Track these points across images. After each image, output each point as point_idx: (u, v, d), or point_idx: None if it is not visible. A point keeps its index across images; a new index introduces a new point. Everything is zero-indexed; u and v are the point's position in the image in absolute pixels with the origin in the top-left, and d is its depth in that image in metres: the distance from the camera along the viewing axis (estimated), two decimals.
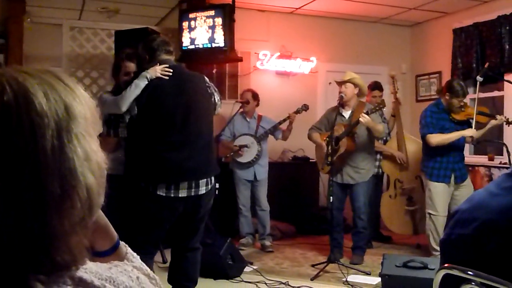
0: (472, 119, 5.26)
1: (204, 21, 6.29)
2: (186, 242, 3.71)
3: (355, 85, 5.61)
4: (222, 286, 4.87)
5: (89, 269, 0.81)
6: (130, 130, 3.59)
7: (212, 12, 6.28)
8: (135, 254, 1.07)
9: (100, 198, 0.82)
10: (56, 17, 7.40)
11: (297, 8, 7.64)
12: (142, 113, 3.48)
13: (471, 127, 5.27)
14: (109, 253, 1.03)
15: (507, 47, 6.64)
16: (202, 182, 3.54)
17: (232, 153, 6.22)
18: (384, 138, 6.38)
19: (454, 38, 7.50)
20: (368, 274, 5.12)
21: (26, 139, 0.72)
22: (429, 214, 5.39)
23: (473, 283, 1.64)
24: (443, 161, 5.31)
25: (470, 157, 6.89)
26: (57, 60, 6.71)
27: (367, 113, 5.24)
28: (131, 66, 4.03)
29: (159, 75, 3.49)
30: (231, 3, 6.36)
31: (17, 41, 6.27)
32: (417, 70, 8.39)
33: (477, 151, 7.22)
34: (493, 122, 5.38)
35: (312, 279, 4.99)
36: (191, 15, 6.39)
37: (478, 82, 5.38)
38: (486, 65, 5.92)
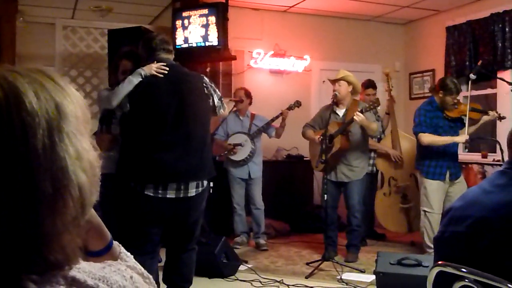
0: (465, 116, 5.28)
1: (198, 19, 6.28)
2: (182, 244, 3.66)
3: (349, 83, 5.61)
4: (217, 285, 4.86)
5: (82, 269, 0.81)
6: (122, 127, 3.56)
7: (205, 11, 6.27)
8: (128, 253, 1.06)
9: (93, 197, 0.82)
10: (49, 16, 7.37)
11: (290, 7, 7.64)
12: (133, 110, 3.43)
13: (464, 124, 5.30)
14: (102, 253, 1.02)
15: (500, 44, 6.66)
16: (192, 184, 3.46)
17: (226, 152, 6.22)
18: (378, 136, 6.38)
19: (447, 36, 7.52)
20: (362, 271, 5.13)
21: (17, 139, 0.72)
22: (424, 211, 5.40)
23: (466, 280, 1.65)
24: (438, 159, 5.33)
25: (463, 155, 6.91)
26: (50, 59, 6.70)
27: (361, 112, 5.25)
28: (128, 65, 3.99)
29: (154, 72, 3.45)
30: (224, 1, 6.35)
31: (10, 40, 6.24)
32: (411, 68, 8.41)
33: (470, 149, 7.24)
34: (485, 118, 5.44)
35: (306, 277, 4.99)
36: (185, 14, 6.37)
37: (470, 80, 5.40)
38: (479, 62, 5.94)
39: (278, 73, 7.84)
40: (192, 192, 3.46)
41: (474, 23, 7.08)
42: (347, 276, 4.98)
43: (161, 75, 3.47)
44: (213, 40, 6.19)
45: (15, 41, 6.34)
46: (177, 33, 6.38)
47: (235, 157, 6.20)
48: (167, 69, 3.49)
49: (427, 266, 4.04)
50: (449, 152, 5.37)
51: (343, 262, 5.40)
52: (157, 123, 3.41)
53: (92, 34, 6.82)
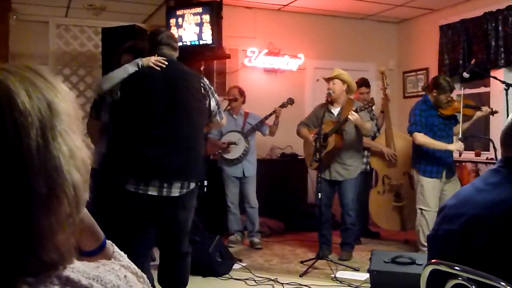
0: (459, 113, 5.32)
1: (192, 18, 6.27)
2: (174, 246, 3.53)
3: (343, 81, 5.61)
4: (211, 284, 4.86)
5: (76, 268, 0.81)
6: (111, 116, 3.44)
7: (199, 9, 6.27)
8: (122, 253, 1.06)
9: (86, 194, 0.82)
10: (42, 15, 7.35)
11: (284, 5, 7.64)
12: (124, 99, 3.34)
13: (458, 120, 5.34)
14: (96, 253, 1.02)
15: (493, 43, 6.69)
16: (176, 184, 3.33)
17: (220, 151, 6.21)
18: (372, 134, 6.39)
19: (441, 35, 7.54)
20: (356, 270, 5.14)
21: (10, 139, 0.71)
22: (421, 209, 5.40)
23: (460, 278, 1.65)
24: (435, 157, 5.35)
25: (457, 153, 6.92)
26: (44, 58, 6.68)
27: (355, 111, 5.25)
28: (129, 59, 3.94)
29: (151, 64, 3.38)
30: (218, 0, 6.35)
31: (3, 38, 6.22)
32: (404, 67, 8.43)
33: (464, 147, 7.25)
34: (479, 113, 5.49)
35: (301, 276, 5.00)
36: (179, 12, 6.37)
37: (462, 78, 5.43)
38: (473, 61, 5.96)
39: (272, 71, 7.84)
40: (175, 192, 3.34)
41: (468, 22, 7.10)
42: (341, 274, 4.99)
43: (158, 68, 3.39)
44: (207, 38, 6.19)
45: (8, 40, 6.32)
46: (171, 31, 6.36)
47: (229, 156, 6.20)
48: (166, 63, 3.42)
49: (421, 264, 4.05)
50: (445, 150, 5.39)
51: (337, 260, 5.40)
52: (145, 115, 3.31)
53: (86, 33, 6.80)
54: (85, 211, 0.99)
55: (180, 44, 6.18)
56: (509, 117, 1.83)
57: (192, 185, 3.44)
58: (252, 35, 7.69)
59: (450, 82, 5.36)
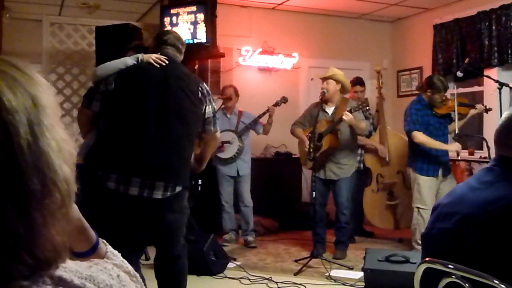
0: (454, 111, 5.34)
1: (186, 16, 6.26)
2: (166, 249, 3.42)
3: (337, 81, 5.62)
4: (206, 283, 4.86)
5: (69, 268, 0.80)
6: (103, 107, 3.35)
7: (194, 8, 6.26)
8: (115, 252, 1.06)
9: (75, 186, 0.81)
10: (36, 13, 7.32)
11: (279, 4, 7.64)
12: (117, 90, 3.27)
13: (453, 119, 5.36)
14: (88, 254, 1.02)
15: (487, 42, 6.71)
16: (159, 185, 3.18)
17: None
18: (367, 134, 6.38)
19: (434, 34, 7.56)
20: (350, 268, 5.15)
21: (0, 139, 0.71)
22: (418, 208, 5.41)
23: (453, 277, 1.66)
24: (431, 156, 5.36)
25: (450, 152, 6.94)
26: (37, 56, 6.65)
27: (350, 111, 5.26)
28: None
29: (151, 61, 3.34)
30: None
31: None
32: (398, 66, 8.44)
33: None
34: (473, 111, 5.55)
35: (295, 274, 5.00)
36: (173, 11, 6.35)
37: (457, 77, 5.45)
38: (466, 60, 5.98)
39: (266, 70, 7.84)
40: (157, 194, 3.19)
41: (461, 21, 7.12)
42: (335, 273, 5.00)
43: (158, 65, 3.33)
44: (202, 37, 6.18)
45: (1, 38, 6.30)
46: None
47: (223, 155, 6.20)
48: (166, 62, 3.36)
49: (414, 263, 4.06)
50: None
51: (332, 259, 5.41)
52: (136, 109, 3.23)
53: (80, 31, 6.77)
54: (77, 213, 0.98)
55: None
56: (502, 116, 1.83)
57: (178, 188, 3.28)
58: (247, 34, 7.68)
59: (443, 82, 5.39)
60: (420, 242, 5.21)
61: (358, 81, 6.65)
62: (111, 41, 5.72)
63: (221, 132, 6.14)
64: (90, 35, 6.62)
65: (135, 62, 3.36)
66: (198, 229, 5.63)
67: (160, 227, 3.36)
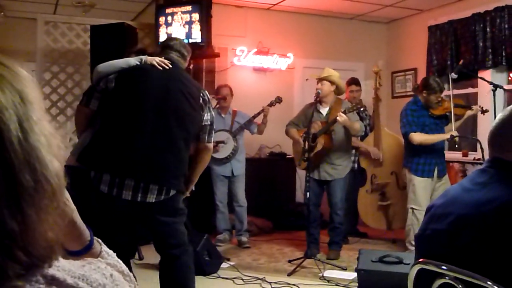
0: (450, 112, 5.36)
1: (181, 16, 6.26)
2: (165, 249, 3.34)
3: (332, 82, 5.62)
4: (199, 282, 4.83)
5: (62, 267, 0.80)
6: (101, 106, 3.33)
7: (189, 8, 6.25)
8: (110, 251, 1.05)
9: (65, 180, 0.81)
10: (31, 11, 7.30)
11: (274, 4, 7.64)
12: (117, 89, 3.25)
13: (449, 120, 5.39)
14: (82, 253, 1.01)
15: (481, 44, 6.73)
16: (153, 188, 3.13)
17: None
18: (361, 134, 6.36)
19: (429, 35, 7.57)
20: (344, 269, 5.16)
21: None
22: (412, 209, 5.42)
23: (447, 278, 1.66)
24: (427, 157, 5.38)
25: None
26: (32, 55, 6.63)
27: (344, 112, 5.26)
28: None
29: (154, 63, 3.32)
30: None
31: None
32: (393, 67, 8.45)
33: (451, 147, 7.29)
34: (469, 112, 5.56)
35: (288, 275, 5.00)
36: (168, 10, 6.34)
37: (452, 79, 5.46)
38: (460, 62, 5.99)
39: (261, 70, 7.84)
40: (151, 197, 3.14)
41: (456, 22, 7.14)
42: (329, 273, 5.00)
43: (160, 68, 3.31)
44: (197, 37, 6.17)
45: None
46: (160, 29, 6.35)
47: (217, 155, 6.19)
48: (170, 66, 3.34)
49: (408, 264, 4.07)
50: (437, 149, 5.43)
51: (325, 259, 5.42)
52: (134, 109, 3.20)
53: (74, 30, 6.75)
54: (72, 210, 0.98)
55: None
56: (496, 118, 1.84)
57: (173, 192, 3.23)
58: (242, 34, 7.68)
59: (439, 83, 5.40)
60: (414, 243, 5.24)
61: (353, 81, 6.67)
62: (106, 40, 5.70)
63: (215, 132, 6.17)
64: (85, 34, 6.60)
65: (138, 63, 3.34)
66: (192, 229, 5.61)
67: (155, 229, 3.33)
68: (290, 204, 7.49)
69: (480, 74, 6.51)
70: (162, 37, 6.30)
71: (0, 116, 0.71)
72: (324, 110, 5.68)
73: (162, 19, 6.36)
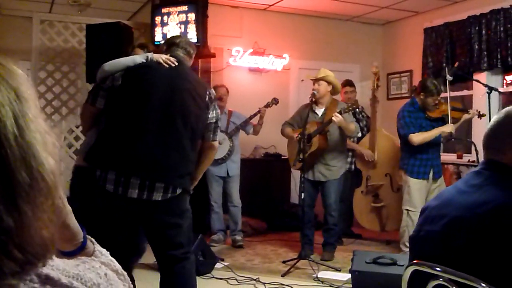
0: (447, 115, 5.36)
1: (177, 16, 6.25)
2: (168, 248, 3.23)
3: (328, 83, 5.63)
4: None
5: (56, 266, 0.80)
6: (107, 103, 3.30)
7: (185, 8, 6.25)
8: (104, 250, 1.05)
9: (60, 178, 0.81)
10: (26, 10, 7.28)
11: (270, 5, 7.64)
12: (123, 87, 3.21)
13: (446, 123, 5.38)
14: (75, 253, 1.01)
15: (476, 47, 6.75)
16: (159, 186, 3.10)
17: None
18: (356, 136, 6.37)
19: (425, 37, 7.59)
20: (338, 270, 5.16)
21: None
22: (407, 210, 5.43)
23: (441, 279, 1.66)
24: (423, 158, 5.38)
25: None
26: (27, 53, 6.61)
27: (339, 113, 5.27)
28: (140, 52, 3.91)
29: (160, 61, 3.29)
30: None
31: None
32: (389, 69, 8.46)
33: (446, 149, 7.32)
34: (466, 116, 5.55)
35: (283, 275, 5.00)
36: (164, 10, 6.34)
37: (448, 81, 5.47)
38: (456, 64, 6.00)
39: (257, 71, 7.84)
40: (157, 195, 3.10)
41: (452, 25, 7.16)
42: (323, 274, 5.00)
43: (166, 66, 3.29)
44: (192, 37, 6.17)
45: None
46: (156, 29, 6.35)
47: None
48: (176, 63, 3.32)
49: (402, 265, 4.07)
50: (433, 151, 5.44)
51: (319, 260, 5.42)
52: (139, 107, 3.17)
53: (70, 29, 6.73)
54: (69, 213, 0.98)
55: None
56: (491, 120, 1.84)
57: (179, 190, 3.18)
58: (238, 34, 7.68)
59: (437, 86, 5.39)
60: (408, 244, 5.25)
61: (347, 83, 6.69)
62: (102, 39, 5.70)
63: None
64: (81, 33, 6.58)
65: (144, 61, 3.32)
66: None
67: (159, 230, 3.24)
68: (285, 205, 7.48)
69: (475, 76, 6.53)
70: (158, 37, 6.30)
71: None
72: (320, 111, 5.68)
73: (158, 19, 6.36)
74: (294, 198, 7.42)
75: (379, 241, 6.59)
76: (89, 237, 1.05)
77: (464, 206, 1.71)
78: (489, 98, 5.35)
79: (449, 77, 5.44)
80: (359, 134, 6.43)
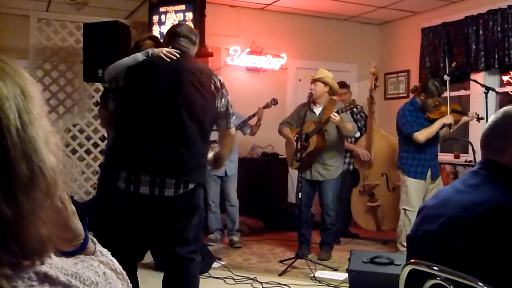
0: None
1: (175, 15, 6.25)
2: (176, 244, 3.18)
3: (326, 83, 5.63)
4: None
5: (55, 264, 0.80)
6: (116, 104, 3.31)
7: (182, 7, 6.24)
8: (104, 250, 1.05)
9: (61, 177, 0.81)
10: (23, 8, 7.26)
11: (268, 4, 7.64)
12: (127, 86, 3.20)
13: (445, 126, 5.39)
14: (76, 253, 1.01)
15: (474, 47, 6.76)
16: (170, 182, 3.07)
17: None
18: (354, 135, 6.36)
19: (422, 37, 7.60)
20: (335, 270, 5.16)
21: None
22: (404, 210, 5.43)
23: (438, 278, 1.66)
24: (421, 158, 5.38)
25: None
26: (24, 52, 6.59)
27: (337, 112, 5.27)
28: (149, 44, 3.87)
29: (161, 55, 3.24)
30: None
31: None
32: (386, 69, 8.46)
33: (443, 149, 7.33)
34: (465, 118, 5.55)
35: (280, 275, 5.00)
36: (162, 9, 6.33)
37: (447, 81, 5.48)
38: (453, 64, 6.01)
39: (254, 70, 7.84)
40: (169, 191, 3.07)
41: (449, 25, 7.17)
42: (320, 274, 5.01)
43: (168, 60, 3.23)
44: None
45: None
46: (153, 28, 6.34)
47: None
48: (178, 56, 3.26)
49: (399, 265, 4.08)
50: (431, 151, 5.44)
51: (317, 260, 5.43)
52: (145, 104, 3.14)
53: (67, 28, 6.71)
54: (73, 214, 0.97)
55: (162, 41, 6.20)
56: (489, 120, 1.85)
57: (191, 185, 3.14)
58: (235, 33, 7.68)
59: (438, 87, 5.38)
60: (405, 244, 5.25)
61: (341, 85, 6.65)
62: (99, 38, 5.68)
63: None
64: (78, 31, 6.57)
65: (145, 57, 3.28)
66: None
67: (169, 225, 3.19)
68: (282, 205, 7.49)
69: (473, 76, 6.54)
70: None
71: (0, 105, 0.73)
72: (318, 110, 5.68)
73: (155, 18, 6.35)
74: (292, 197, 7.42)
75: (376, 241, 6.60)
76: (91, 237, 1.05)
77: (462, 205, 1.71)
78: (486, 98, 5.35)
79: (446, 77, 5.45)
80: (357, 134, 6.44)
